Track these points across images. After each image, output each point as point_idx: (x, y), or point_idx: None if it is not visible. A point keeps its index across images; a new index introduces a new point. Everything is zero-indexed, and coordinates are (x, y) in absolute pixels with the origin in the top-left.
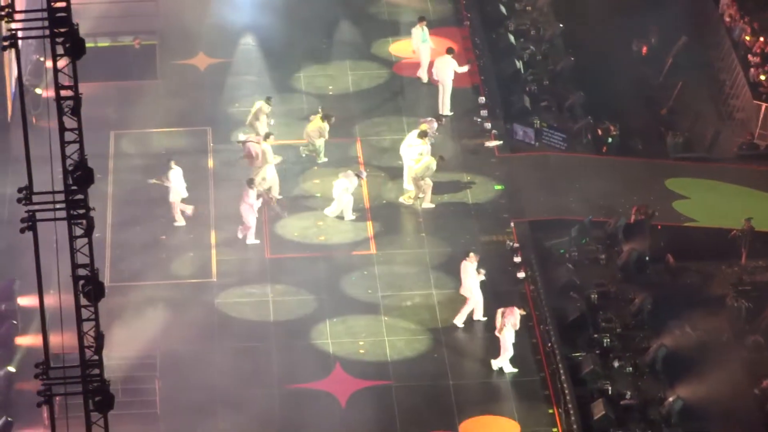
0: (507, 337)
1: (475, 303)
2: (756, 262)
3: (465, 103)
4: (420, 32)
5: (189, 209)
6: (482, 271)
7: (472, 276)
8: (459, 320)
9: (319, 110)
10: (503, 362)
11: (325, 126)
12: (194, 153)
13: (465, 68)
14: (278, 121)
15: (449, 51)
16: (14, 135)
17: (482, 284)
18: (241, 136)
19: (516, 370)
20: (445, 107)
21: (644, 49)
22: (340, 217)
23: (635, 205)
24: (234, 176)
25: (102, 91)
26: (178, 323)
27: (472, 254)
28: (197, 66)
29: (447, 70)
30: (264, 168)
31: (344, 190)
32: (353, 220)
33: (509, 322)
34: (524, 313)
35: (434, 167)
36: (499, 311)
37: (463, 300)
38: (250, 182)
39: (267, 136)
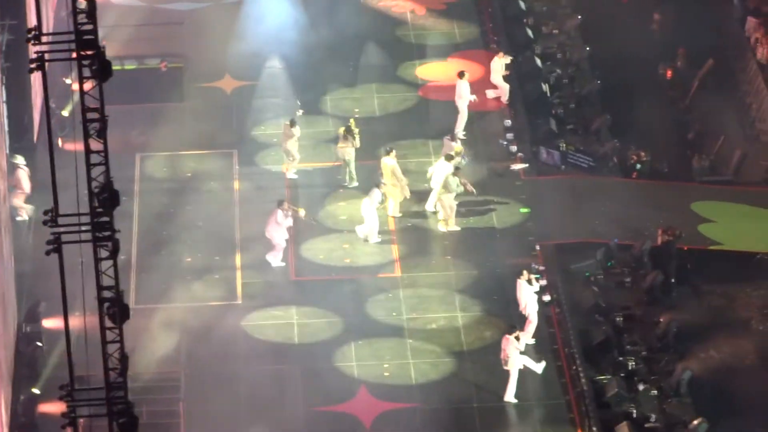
0: (514, 366)
1: (531, 322)
2: None
3: (491, 126)
4: (499, 63)
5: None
6: (536, 278)
7: (527, 293)
8: (527, 339)
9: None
10: (512, 391)
11: (355, 139)
12: (220, 175)
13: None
14: (305, 144)
15: (461, 75)
16: (40, 157)
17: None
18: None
19: (543, 362)
20: (458, 129)
21: (669, 73)
22: (366, 240)
23: (661, 227)
24: (260, 198)
25: (128, 113)
26: (203, 345)
27: (524, 271)
28: (223, 88)
29: (462, 94)
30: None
31: (369, 207)
32: (378, 243)
33: (511, 351)
34: (516, 334)
35: (452, 184)
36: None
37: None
38: (280, 203)
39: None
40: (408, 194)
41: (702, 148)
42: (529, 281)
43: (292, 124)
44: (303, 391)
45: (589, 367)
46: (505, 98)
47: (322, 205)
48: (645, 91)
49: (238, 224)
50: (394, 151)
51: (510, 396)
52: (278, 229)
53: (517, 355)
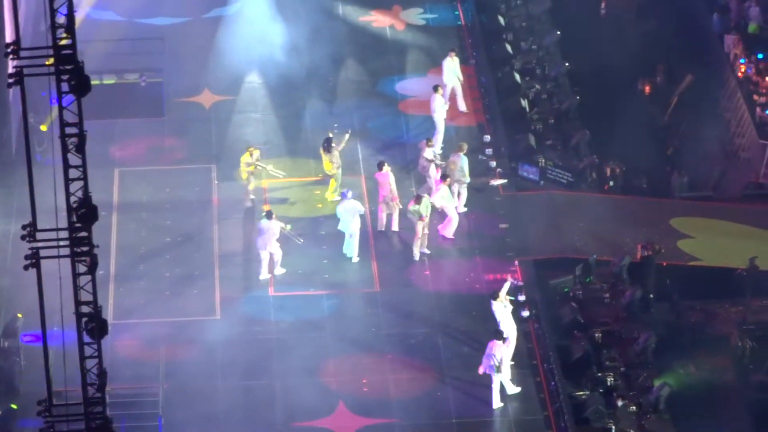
0: (504, 370)
1: (511, 343)
2: (761, 301)
3: (470, 141)
4: (451, 64)
5: None
6: (510, 300)
7: (503, 315)
8: (507, 361)
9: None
10: (498, 397)
11: (334, 153)
12: (199, 190)
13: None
14: (284, 158)
15: (436, 88)
16: (18, 172)
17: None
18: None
19: (518, 389)
20: (437, 144)
21: (648, 88)
22: (345, 255)
23: (640, 242)
24: (238, 213)
25: (107, 128)
26: (182, 360)
27: (499, 293)
28: (202, 104)
29: (437, 108)
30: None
31: (351, 224)
32: (359, 257)
33: (500, 355)
34: (502, 341)
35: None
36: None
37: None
38: (269, 214)
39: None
40: (400, 206)
41: (681, 163)
42: (501, 303)
43: (251, 153)
44: (282, 407)
45: (568, 382)
46: (460, 103)
47: (301, 220)
48: (624, 106)
49: (217, 239)
50: (386, 164)
51: (496, 402)
52: (262, 240)
53: (506, 359)
